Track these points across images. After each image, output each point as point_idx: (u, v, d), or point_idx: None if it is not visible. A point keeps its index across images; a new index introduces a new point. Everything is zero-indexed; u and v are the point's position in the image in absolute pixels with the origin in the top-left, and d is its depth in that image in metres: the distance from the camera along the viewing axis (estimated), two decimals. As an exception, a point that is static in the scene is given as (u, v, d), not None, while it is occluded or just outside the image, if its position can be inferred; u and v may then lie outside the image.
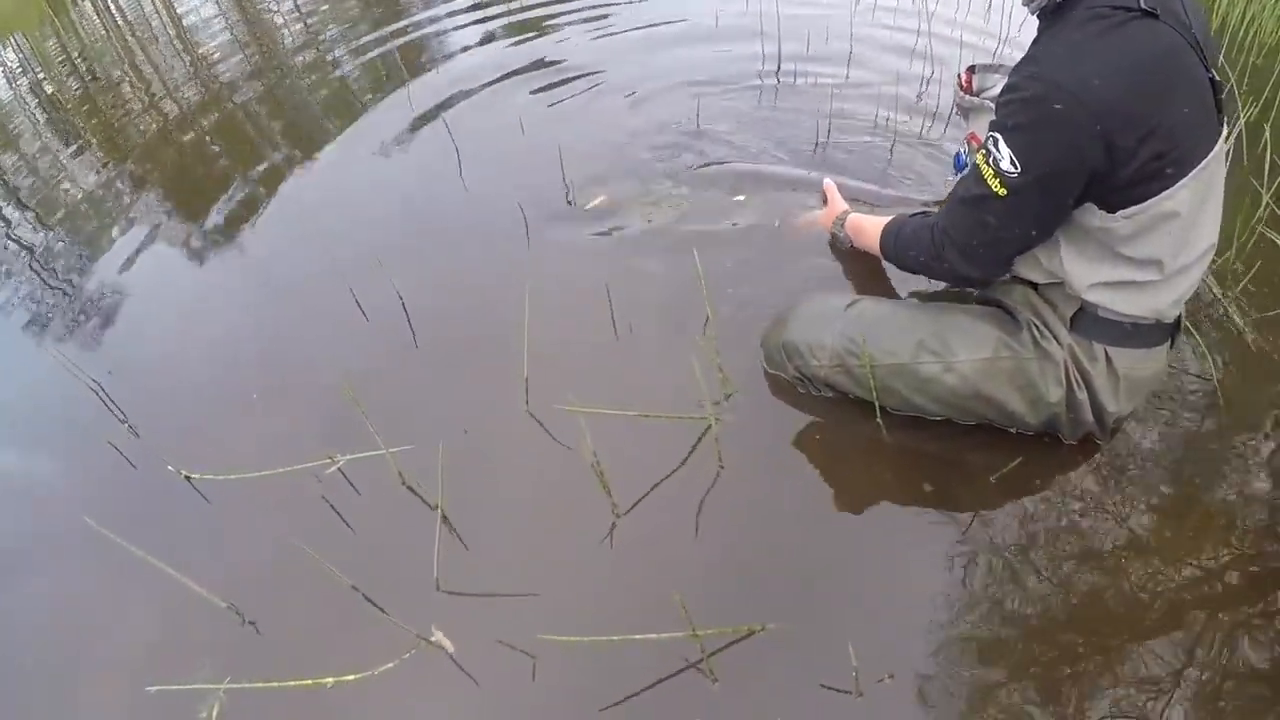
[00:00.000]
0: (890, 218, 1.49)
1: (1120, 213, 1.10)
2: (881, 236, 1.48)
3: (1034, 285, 1.31)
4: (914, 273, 1.44)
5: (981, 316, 1.34)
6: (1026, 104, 1.05)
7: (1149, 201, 1.09)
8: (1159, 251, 1.14)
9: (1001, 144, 1.08)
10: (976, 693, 1.12)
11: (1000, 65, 1.61)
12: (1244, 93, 2.14)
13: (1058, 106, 1.02)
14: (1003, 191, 1.11)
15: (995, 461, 1.35)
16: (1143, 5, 1.02)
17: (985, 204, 1.15)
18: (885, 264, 1.62)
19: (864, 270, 1.77)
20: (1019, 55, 1.43)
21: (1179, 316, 1.28)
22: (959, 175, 1.34)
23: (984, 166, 1.12)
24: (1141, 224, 1.11)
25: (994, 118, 1.12)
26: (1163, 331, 1.26)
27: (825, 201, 1.88)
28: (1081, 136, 1.03)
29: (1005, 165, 1.09)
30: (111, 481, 1.59)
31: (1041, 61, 1.05)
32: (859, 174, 2.08)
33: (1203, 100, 1.08)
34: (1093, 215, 1.13)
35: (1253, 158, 1.96)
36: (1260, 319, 1.59)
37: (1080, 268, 1.19)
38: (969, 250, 1.23)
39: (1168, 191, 1.08)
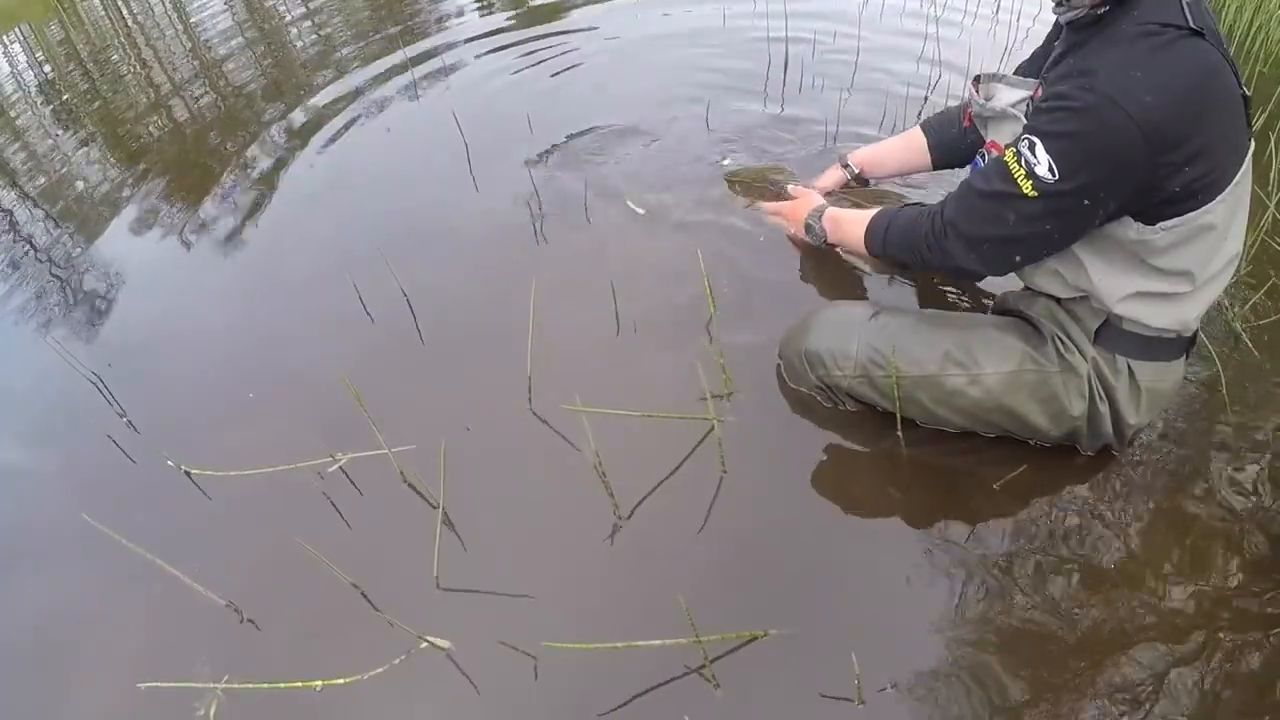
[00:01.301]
0: (874, 210, 1.45)
1: (1159, 225, 1.10)
2: (868, 227, 1.43)
3: (1057, 299, 1.30)
4: (902, 265, 1.41)
5: (1006, 328, 1.33)
6: (1076, 114, 1.03)
7: (1188, 215, 1.08)
8: (1191, 263, 1.13)
9: (1040, 149, 1.07)
10: (979, 704, 1.11)
11: (1003, 75, 1.60)
12: (1251, 101, 2.14)
13: (1109, 121, 1.00)
14: (1033, 194, 1.09)
15: (1005, 470, 1.35)
16: (1190, 24, 1.01)
17: (1008, 201, 1.13)
18: (891, 264, 1.61)
19: (879, 276, 1.75)
20: (1023, 60, 1.42)
21: (1196, 329, 1.28)
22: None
23: (1013, 165, 1.10)
24: (1179, 236, 1.10)
25: (1031, 122, 1.10)
26: (1182, 344, 1.25)
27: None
28: (1130, 153, 1.02)
29: (1042, 170, 1.07)
30: (110, 476, 1.58)
31: (1096, 74, 1.03)
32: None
33: (1239, 116, 1.09)
34: (1129, 228, 1.12)
35: (1258, 167, 1.96)
36: (1267, 328, 1.59)
37: (1111, 281, 1.18)
38: (976, 243, 1.20)
39: (1207, 206, 1.08)
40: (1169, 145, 1.01)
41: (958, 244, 1.22)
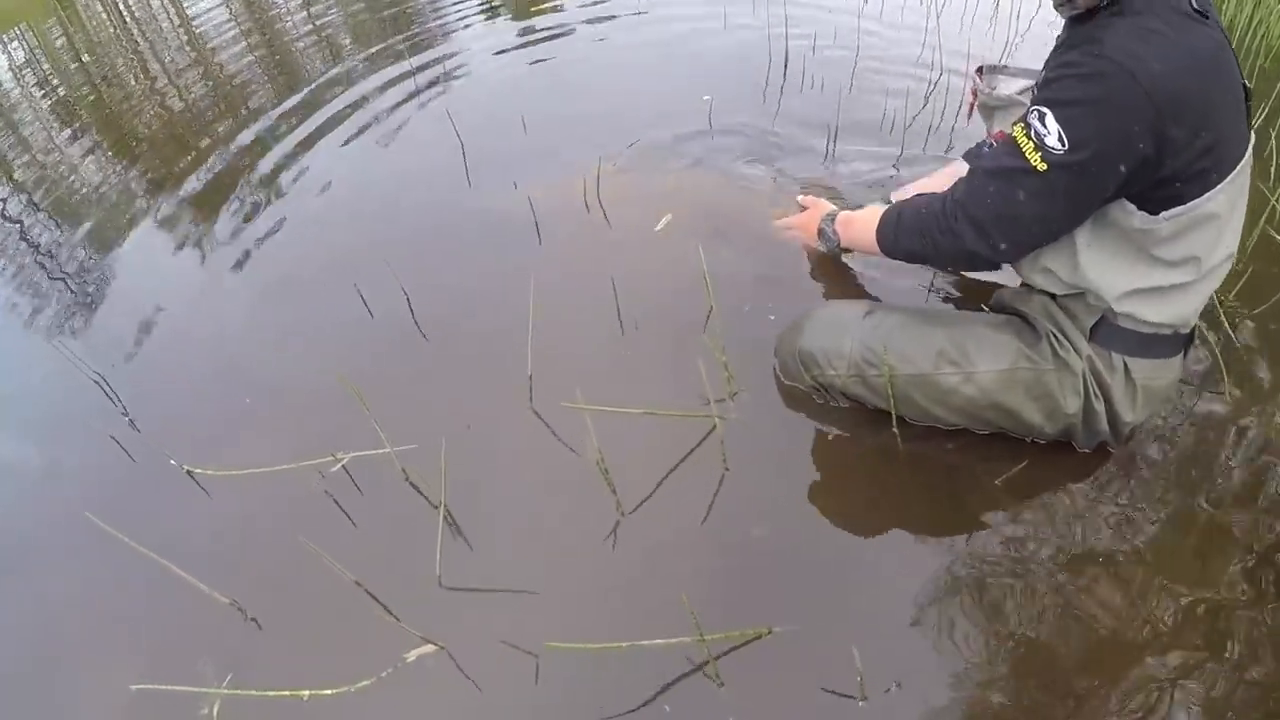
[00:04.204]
0: (885, 208, 1.42)
1: (1163, 214, 1.09)
2: (880, 223, 1.40)
3: (1053, 296, 1.29)
4: (913, 260, 1.38)
5: (1000, 326, 1.33)
6: (1085, 80, 1.02)
7: (1192, 203, 1.08)
8: (1197, 249, 1.12)
9: (1050, 119, 1.05)
10: (983, 701, 1.11)
11: (1005, 66, 1.60)
12: (1251, 94, 2.14)
13: (1119, 85, 1.00)
14: (1042, 167, 1.07)
15: (1004, 467, 1.35)
16: (1195, 6, 1.02)
17: (1018, 177, 1.11)
18: (892, 265, 1.60)
19: (878, 274, 1.75)
20: (1022, 57, 1.41)
21: (1194, 326, 1.28)
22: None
23: (1023, 140, 1.09)
24: (1182, 225, 1.10)
25: (1040, 94, 1.09)
26: (1179, 341, 1.25)
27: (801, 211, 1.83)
28: (1137, 120, 1.01)
29: (1051, 141, 1.05)
30: (114, 476, 1.58)
31: (1104, 42, 1.02)
32: (868, 177, 2.08)
33: (1240, 104, 1.09)
34: (1133, 217, 1.11)
35: (1259, 161, 1.96)
36: (1266, 324, 1.59)
37: (1112, 276, 1.17)
38: (986, 224, 1.17)
39: (1210, 194, 1.07)
40: (1176, 117, 1.00)
41: (968, 226, 1.19)
